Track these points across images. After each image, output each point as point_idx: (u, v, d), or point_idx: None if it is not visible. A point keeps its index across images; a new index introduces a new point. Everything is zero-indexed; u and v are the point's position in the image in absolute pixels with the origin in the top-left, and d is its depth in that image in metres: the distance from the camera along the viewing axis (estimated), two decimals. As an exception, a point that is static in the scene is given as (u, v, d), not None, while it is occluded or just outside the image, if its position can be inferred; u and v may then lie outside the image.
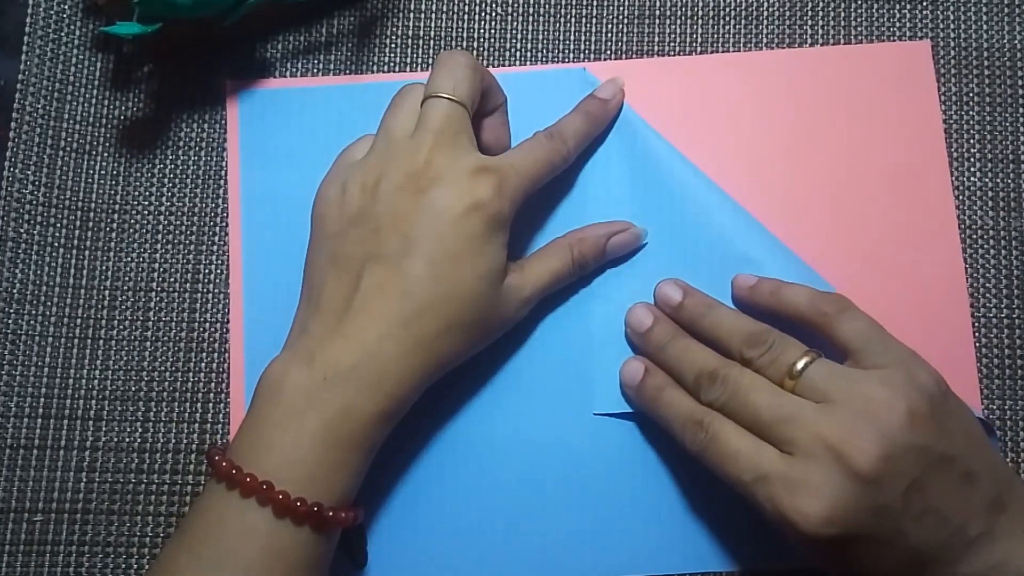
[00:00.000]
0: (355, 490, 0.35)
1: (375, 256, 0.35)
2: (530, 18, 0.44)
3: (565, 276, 0.39)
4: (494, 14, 0.44)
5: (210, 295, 0.42)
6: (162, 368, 0.42)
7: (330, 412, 0.34)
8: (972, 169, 0.43)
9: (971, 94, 0.43)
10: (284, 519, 0.33)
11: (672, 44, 0.44)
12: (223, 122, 0.43)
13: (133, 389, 0.41)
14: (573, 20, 0.44)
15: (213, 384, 0.41)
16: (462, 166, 0.36)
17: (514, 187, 0.36)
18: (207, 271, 0.42)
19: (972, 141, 0.43)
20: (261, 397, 0.35)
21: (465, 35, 0.44)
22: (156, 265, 0.42)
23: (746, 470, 0.34)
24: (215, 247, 0.43)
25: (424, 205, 0.35)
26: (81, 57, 0.44)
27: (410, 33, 0.44)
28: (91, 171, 0.43)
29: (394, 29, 0.44)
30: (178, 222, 0.43)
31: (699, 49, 0.44)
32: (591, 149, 0.42)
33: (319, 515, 0.33)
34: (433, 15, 0.44)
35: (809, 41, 0.44)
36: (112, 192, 0.43)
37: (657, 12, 0.44)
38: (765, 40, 0.44)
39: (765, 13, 0.44)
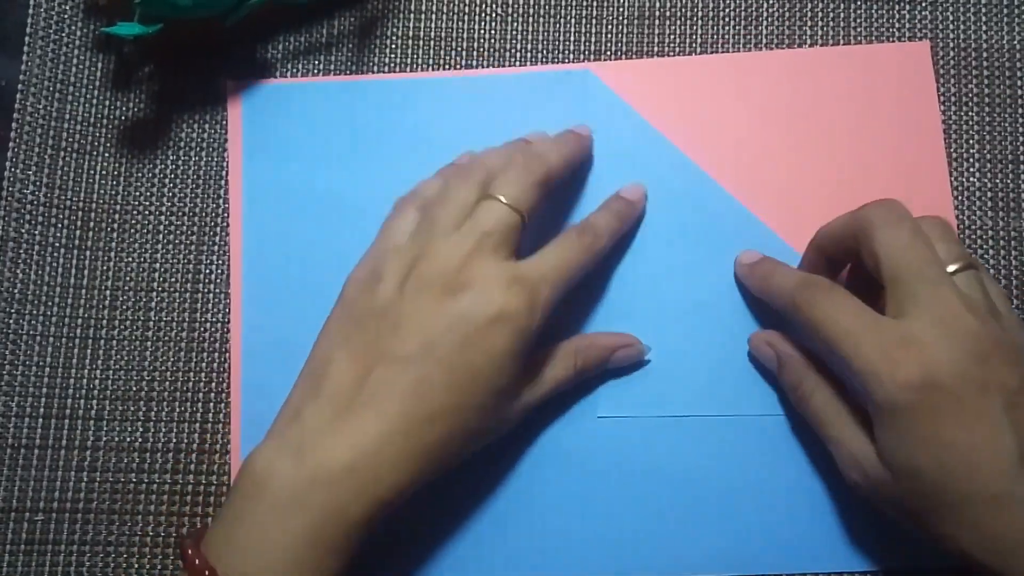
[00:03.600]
0: None
1: (391, 354, 0.33)
2: (531, 18, 0.44)
3: (564, 384, 0.38)
4: (494, 14, 0.44)
5: (211, 295, 0.42)
6: (163, 368, 0.42)
7: (316, 515, 0.32)
8: (971, 169, 0.43)
9: (970, 95, 0.43)
10: None
11: (672, 44, 0.44)
12: (224, 122, 0.43)
13: (134, 389, 0.41)
14: (573, 20, 0.44)
15: (214, 384, 0.42)
16: (496, 274, 0.34)
17: (546, 300, 0.35)
18: (208, 271, 0.42)
19: (971, 141, 0.43)
20: (243, 489, 0.33)
21: (465, 35, 0.44)
22: (157, 265, 0.42)
23: (845, 323, 0.33)
24: (216, 247, 0.43)
25: (451, 310, 0.34)
26: (82, 57, 0.44)
27: (410, 33, 0.44)
28: (92, 171, 0.43)
29: (394, 29, 0.44)
30: (179, 222, 0.43)
31: (699, 49, 0.44)
32: (592, 149, 0.42)
33: None
34: (433, 15, 0.44)
35: (808, 42, 0.44)
36: (113, 192, 0.43)
37: (657, 12, 0.44)
38: (765, 41, 0.44)
39: (765, 14, 0.44)
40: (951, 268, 0.34)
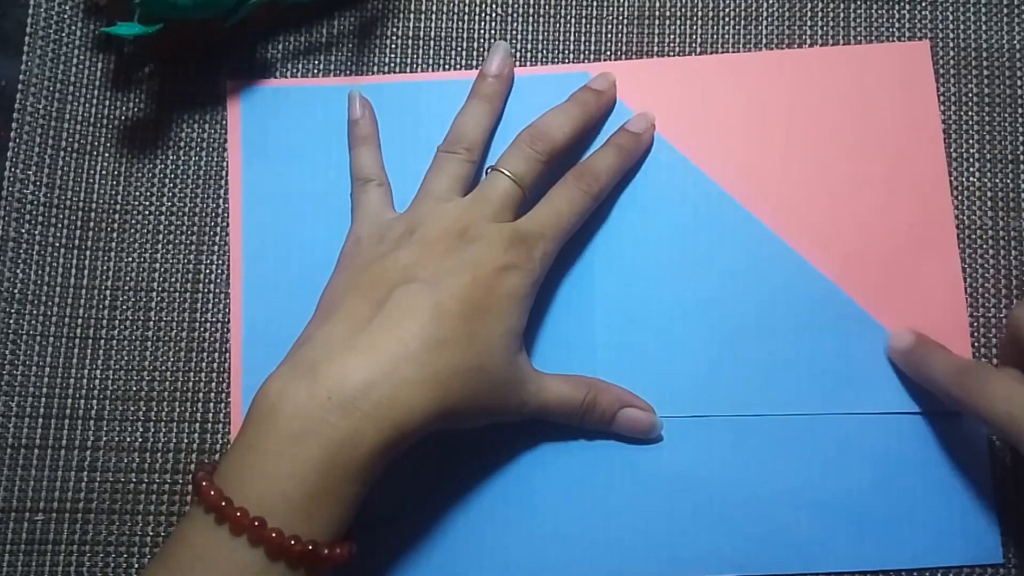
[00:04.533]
0: (351, 523, 0.33)
1: (408, 280, 0.35)
2: (530, 19, 0.44)
3: (568, 408, 0.38)
4: (494, 15, 0.44)
5: (211, 295, 0.42)
6: (163, 368, 0.42)
7: (331, 440, 0.31)
8: (971, 169, 0.43)
9: (970, 94, 0.43)
10: (278, 561, 0.31)
11: (672, 45, 0.44)
12: (224, 122, 0.43)
13: (134, 389, 0.42)
14: (573, 21, 0.44)
15: (214, 384, 0.42)
16: (498, 234, 0.36)
17: (545, 255, 0.37)
18: (208, 271, 0.42)
19: (971, 141, 0.43)
20: (255, 417, 0.33)
21: (465, 36, 0.44)
22: (157, 265, 0.43)
23: (1002, 406, 0.33)
24: (216, 247, 0.43)
25: (463, 255, 0.35)
26: (82, 57, 0.44)
27: (410, 34, 0.44)
28: (92, 171, 0.43)
29: (394, 30, 0.44)
30: (179, 222, 0.43)
31: (698, 50, 0.44)
32: (590, 150, 0.42)
33: (314, 554, 0.31)
34: (433, 16, 0.44)
35: (808, 42, 0.44)
36: (113, 192, 0.43)
37: (656, 13, 0.44)
38: (764, 41, 0.44)
39: (764, 14, 0.44)
40: None
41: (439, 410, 0.33)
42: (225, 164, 0.43)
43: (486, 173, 0.39)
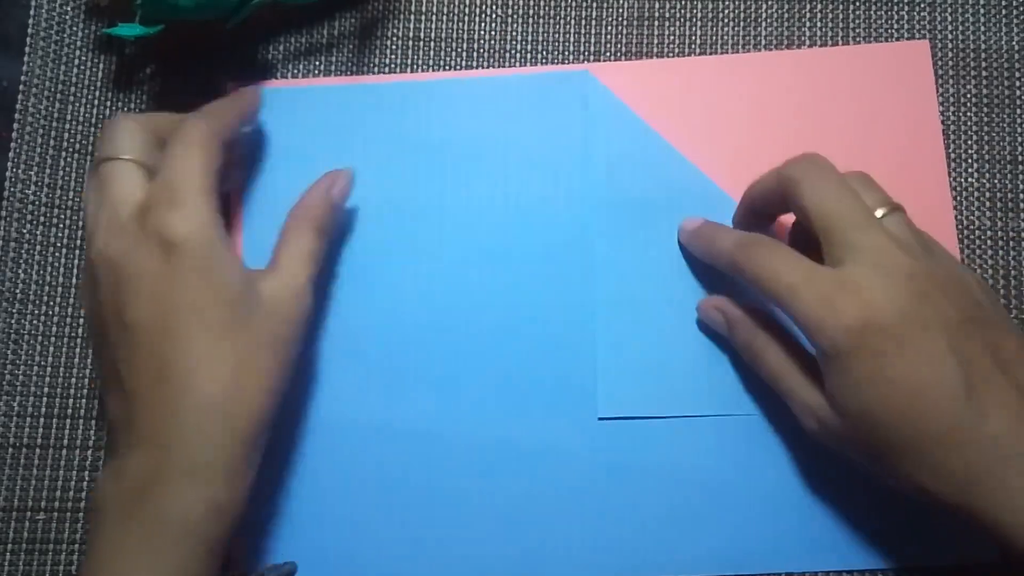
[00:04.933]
0: None
1: (124, 320, 0.33)
2: (530, 19, 0.44)
3: (319, 252, 0.37)
4: (494, 15, 0.44)
5: (212, 295, 0.42)
6: (164, 368, 0.42)
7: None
8: (970, 170, 0.43)
9: (969, 95, 0.43)
10: None
11: (671, 45, 0.44)
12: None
13: (135, 388, 0.42)
14: (573, 21, 0.44)
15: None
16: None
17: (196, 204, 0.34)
18: (209, 271, 0.42)
19: (970, 142, 0.43)
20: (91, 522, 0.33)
21: (465, 36, 0.44)
22: (158, 265, 0.43)
23: (785, 277, 0.33)
24: (217, 247, 0.43)
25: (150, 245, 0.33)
26: (84, 58, 0.44)
27: (411, 35, 0.44)
28: (93, 172, 0.43)
29: (395, 31, 0.44)
30: (180, 222, 0.43)
31: (698, 50, 0.44)
32: (591, 151, 0.42)
33: None
34: (434, 16, 0.44)
35: (807, 42, 0.44)
36: (114, 193, 0.43)
37: (657, 14, 0.44)
38: (763, 41, 0.44)
39: (763, 15, 0.44)
40: (879, 213, 0.34)
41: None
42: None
43: None
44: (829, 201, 0.34)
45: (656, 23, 0.44)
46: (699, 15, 0.44)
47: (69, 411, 0.41)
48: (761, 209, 0.38)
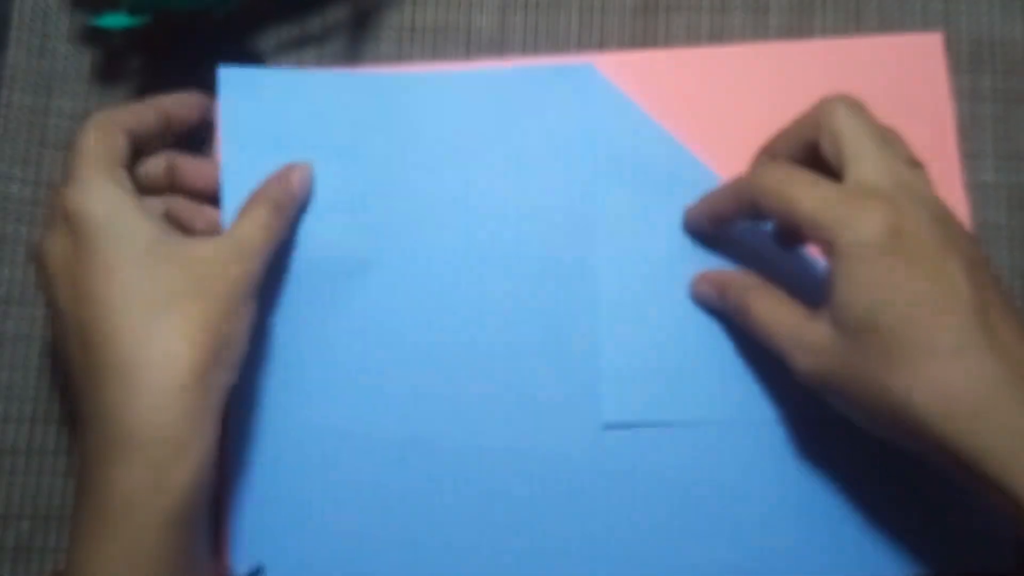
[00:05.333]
0: None
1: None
2: (531, 8, 0.43)
3: (274, 225, 0.38)
4: (492, 5, 0.43)
5: (202, 295, 0.41)
6: (153, 371, 0.41)
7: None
8: (985, 166, 0.42)
9: (985, 88, 0.42)
10: None
11: (678, 35, 0.43)
12: (215, 114, 0.42)
13: (123, 392, 0.41)
14: (576, 10, 0.43)
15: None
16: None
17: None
18: (199, 270, 0.42)
19: (985, 137, 0.42)
20: None
21: (462, 26, 0.43)
22: (146, 264, 0.42)
23: (810, 189, 0.33)
24: (207, 246, 0.42)
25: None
26: (68, 50, 0.43)
27: (406, 24, 0.43)
28: (79, 167, 0.42)
29: (390, 20, 0.43)
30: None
31: (705, 41, 0.43)
32: (594, 147, 0.41)
33: None
34: (430, 5, 0.43)
35: (818, 33, 0.43)
36: (100, 189, 0.42)
37: (662, 2, 0.43)
38: (773, 32, 0.43)
39: (773, 4, 0.43)
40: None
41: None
42: (216, 156, 0.42)
43: None
44: (866, 127, 0.34)
45: (662, 12, 0.43)
46: (707, 4, 0.43)
47: (56, 415, 0.41)
48: (784, 150, 0.37)
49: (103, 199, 0.34)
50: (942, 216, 0.33)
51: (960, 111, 0.42)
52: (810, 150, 0.35)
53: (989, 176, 0.42)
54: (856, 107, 0.35)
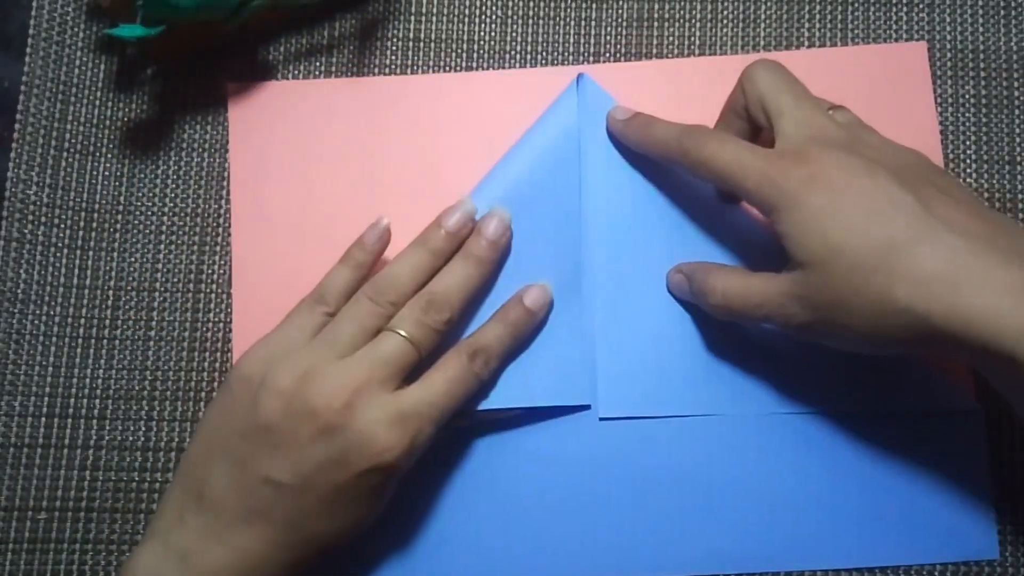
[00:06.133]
0: None
1: (271, 479, 0.35)
2: (530, 20, 0.45)
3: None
4: (494, 16, 0.45)
5: (213, 295, 0.42)
6: (165, 367, 0.42)
7: None
8: (968, 171, 0.43)
9: (967, 96, 0.43)
10: None
11: (670, 47, 0.44)
12: (225, 124, 0.44)
13: (137, 388, 0.42)
14: (572, 23, 0.44)
15: (216, 383, 0.42)
16: (379, 416, 0.35)
17: (425, 438, 0.36)
18: (209, 271, 0.43)
19: (968, 143, 0.43)
20: None
21: (465, 37, 0.44)
22: (159, 265, 0.43)
23: (732, 154, 0.36)
24: (217, 248, 0.43)
25: (328, 451, 0.34)
26: (85, 59, 0.44)
27: (411, 36, 0.44)
28: (95, 172, 0.43)
29: (395, 32, 0.45)
30: (181, 223, 0.43)
31: (697, 52, 0.44)
32: (587, 153, 0.41)
33: None
34: (434, 17, 0.45)
35: (806, 43, 0.44)
36: (116, 193, 0.43)
37: (656, 15, 0.44)
38: (762, 43, 0.44)
39: (762, 16, 0.44)
40: (825, 108, 0.37)
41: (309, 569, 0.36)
42: (227, 165, 0.43)
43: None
44: (783, 83, 0.37)
45: (655, 24, 0.44)
46: (698, 16, 0.44)
47: (71, 410, 0.41)
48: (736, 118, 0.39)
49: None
50: (863, 143, 0.35)
51: (943, 118, 0.43)
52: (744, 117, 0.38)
53: (971, 180, 0.43)
54: (774, 67, 0.38)
